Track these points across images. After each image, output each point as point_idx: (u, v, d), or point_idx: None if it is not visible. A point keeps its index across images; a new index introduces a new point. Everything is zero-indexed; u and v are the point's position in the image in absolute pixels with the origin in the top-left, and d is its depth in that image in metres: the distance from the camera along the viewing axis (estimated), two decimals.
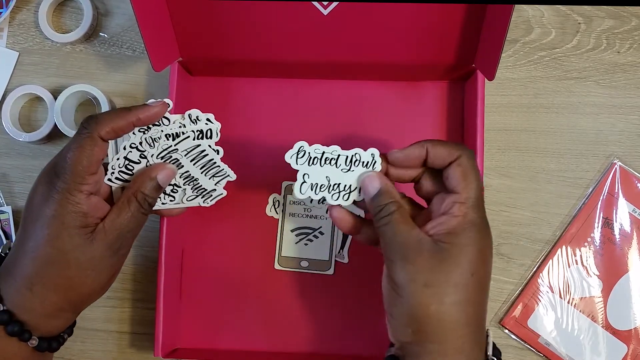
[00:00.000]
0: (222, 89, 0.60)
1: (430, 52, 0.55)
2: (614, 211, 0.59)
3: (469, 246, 0.40)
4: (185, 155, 0.46)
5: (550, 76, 0.61)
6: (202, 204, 0.48)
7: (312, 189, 0.45)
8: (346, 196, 0.45)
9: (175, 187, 0.47)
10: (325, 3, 0.52)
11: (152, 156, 0.46)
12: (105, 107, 0.58)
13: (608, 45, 0.61)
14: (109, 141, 0.44)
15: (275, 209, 0.59)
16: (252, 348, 0.58)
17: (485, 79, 0.54)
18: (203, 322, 0.58)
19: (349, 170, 0.45)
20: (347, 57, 0.56)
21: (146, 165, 0.46)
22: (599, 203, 0.59)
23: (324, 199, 0.45)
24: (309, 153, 0.45)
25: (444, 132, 0.59)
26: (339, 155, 0.45)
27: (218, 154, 0.47)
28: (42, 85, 0.61)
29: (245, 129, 0.60)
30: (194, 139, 0.46)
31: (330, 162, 0.45)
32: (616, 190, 0.59)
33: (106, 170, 0.45)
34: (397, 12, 0.52)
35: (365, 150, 0.45)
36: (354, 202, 0.45)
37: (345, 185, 0.45)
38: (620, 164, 0.59)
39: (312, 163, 0.45)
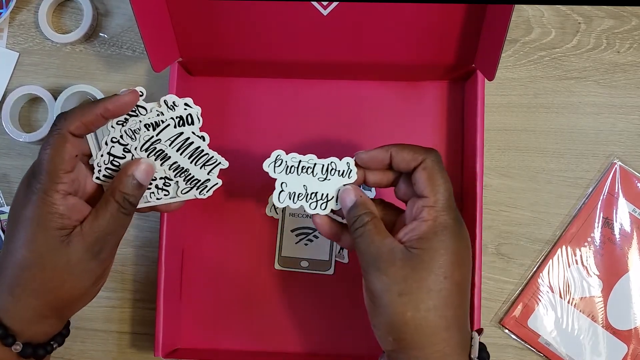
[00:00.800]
0: (222, 89, 0.60)
1: (430, 52, 0.55)
2: (614, 211, 0.58)
3: (440, 250, 0.40)
4: (169, 145, 0.45)
5: (550, 76, 0.61)
6: (199, 196, 0.46)
7: (290, 198, 0.46)
8: (324, 205, 0.46)
9: (167, 181, 0.46)
10: (325, 3, 0.52)
11: (135, 149, 0.44)
12: None
13: (608, 45, 0.61)
14: (90, 137, 0.43)
15: (275, 209, 0.59)
16: (252, 348, 0.58)
17: (485, 79, 0.54)
18: (203, 322, 0.58)
19: (325, 179, 0.45)
20: (346, 57, 0.56)
21: (131, 160, 0.44)
22: (599, 203, 0.59)
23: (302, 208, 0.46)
24: (286, 162, 0.45)
25: (444, 132, 0.59)
26: (315, 164, 0.45)
27: (204, 140, 0.45)
28: (42, 86, 0.61)
29: (245, 128, 0.60)
30: (175, 127, 0.44)
31: (307, 171, 0.45)
32: (616, 190, 0.59)
33: (92, 170, 0.44)
34: (396, 12, 0.52)
35: (340, 159, 0.45)
36: (332, 211, 0.46)
37: (323, 194, 0.45)
38: (620, 163, 0.59)
39: (289, 172, 0.45)
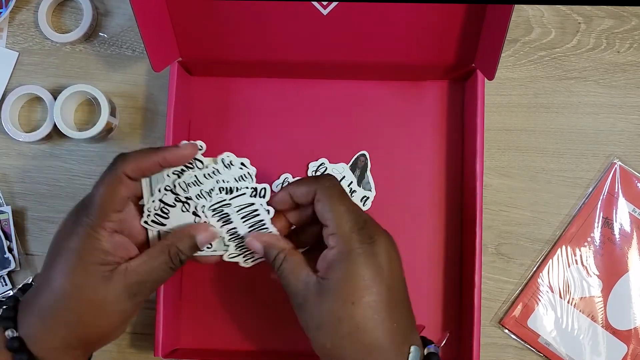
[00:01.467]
0: (221, 89, 0.60)
1: (430, 51, 0.55)
2: (614, 211, 0.59)
3: (346, 276, 0.40)
4: (237, 212, 0.46)
5: (550, 76, 0.61)
6: (243, 264, 0.47)
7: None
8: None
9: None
10: (324, 3, 0.51)
11: (203, 207, 0.45)
12: (105, 107, 0.58)
13: (608, 45, 0.61)
14: (144, 181, 0.44)
15: None
16: (252, 348, 0.58)
17: (485, 79, 0.54)
18: (203, 322, 0.58)
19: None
20: (346, 57, 0.56)
21: (182, 210, 0.45)
22: (599, 203, 0.59)
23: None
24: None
25: (444, 132, 0.59)
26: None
27: (269, 214, 0.46)
28: (42, 85, 0.60)
29: (245, 128, 0.60)
30: (250, 196, 0.45)
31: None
32: (616, 190, 0.59)
33: (141, 213, 0.45)
34: (396, 12, 0.52)
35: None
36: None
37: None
38: (620, 163, 0.59)
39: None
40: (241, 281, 0.59)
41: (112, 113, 0.59)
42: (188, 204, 0.45)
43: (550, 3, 0.61)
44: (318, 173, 0.59)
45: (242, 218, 0.46)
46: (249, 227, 0.46)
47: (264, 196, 0.46)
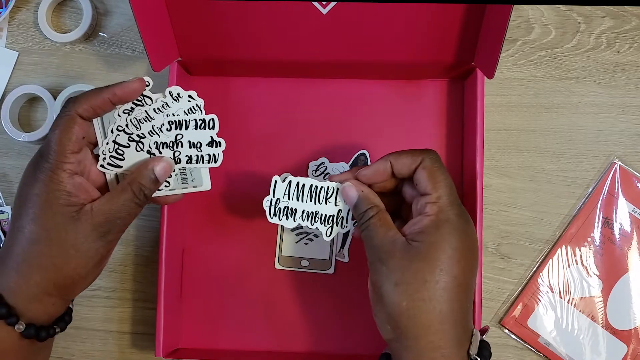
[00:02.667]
0: (221, 88, 0.60)
1: (429, 50, 0.55)
2: (614, 211, 0.59)
3: (440, 243, 0.41)
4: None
5: (550, 76, 0.61)
6: (192, 190, 0.48)
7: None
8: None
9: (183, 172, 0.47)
10: (324, 2, 0.51)
11: (156, 143, 0.46)
12: None
13: (608, 45, 0.61)
14: (97, 126, 0.44)
15: None
16: (253, 348, 0.58)
17: (485, 77, 0.54)
18: (204, 322, 0.58)
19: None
20: (346, 56, 0.56)
21: (136, 149, 0.46)
22: (599, 203, 0.59)
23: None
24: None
25: (443, 130, 0.59)
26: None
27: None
28: (42, 85, 0.60)
29: (244, 128, 0.60)
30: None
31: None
32: (616, 190, 0.59)
33: (97, 159, 0.45)
34: (396, 11, 0.52)
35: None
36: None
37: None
38: (620, 163, 0.59)
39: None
40: (242, 280, 0.59)
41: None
42: (142, 142, 0.46)
43: (550, 3, 0.61)
44: (318, 172, 0.59)
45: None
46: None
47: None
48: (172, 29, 0.54)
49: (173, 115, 0.46)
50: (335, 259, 0.58)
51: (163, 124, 0.46)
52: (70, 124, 0.43)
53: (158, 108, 0.46)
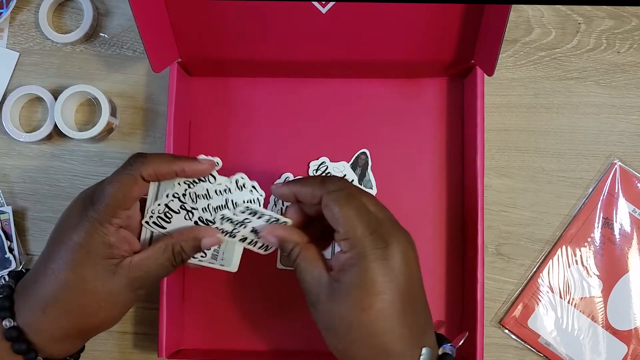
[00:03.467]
0: (221, 89, 0.60)
1: (429, 48, 0.55)
2: (614, 211, 0.59)
3: (357, 283, 0.40)
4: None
5: (550, 76, 0.61)
6: (221, 268, 0.48)
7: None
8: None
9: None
10: (323, 2, 0.52)
11: (206, 220, 0.46)
12: (105, 107, 0.58)
13: (608, 45, 0.61)
14: (152, 183, 0.44)
15: (276, 209, 0.59)
16: (255, 348, 0.58)
17: (485, 75, 0.54)
18: (206, 322, 0.58)
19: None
20: (345, 55, 0.56)
21: (184, 217, 0.46)
22: (599, 203, 0.59)
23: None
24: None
25: (444, 129, 0.59)
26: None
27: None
28: (43, 86, 0.61)
29: (244, 128, 0.60)
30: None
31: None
32: (616, 190, 0.59)
33: (142, 210, 0.45)
34: (395, 9, 0.52)
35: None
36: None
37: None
38: (620, 164, 0.59)
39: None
40: (244, 281, 0.59)
41: (113, 113, 0.60)
42: (192, 213, 0.46)
43: (550, 3, 0.61)
44: (319, 172, 0.59)
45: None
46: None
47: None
48: (171, 30, 0.54)
49: (232, 202, 0.46)
50: None
51: (220, 206, 0.46)
52: (131, 183, 0.42)
53: (220, 191, 0.46)
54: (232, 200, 0.46)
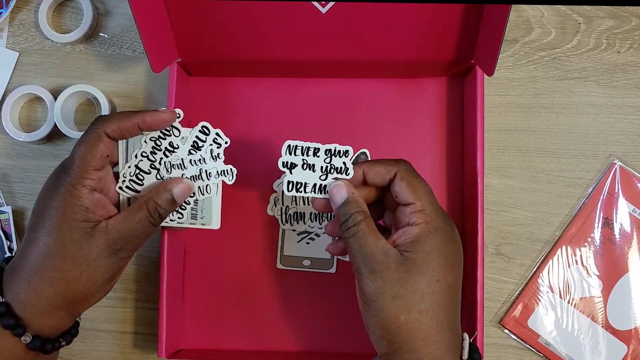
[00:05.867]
0: (221, 89, 0.60)
1: (429, 48, 0.55)
2: (614, 211, 0.59)
3: (433, 253, 0.41)
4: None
5: (550, 76, 0.61)
6: (198, 226, 0.49)
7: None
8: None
9: (184, 204, 0.48)
10: (323, 2, 0.52)
11: (166, 164, 0.46)
12: (105, 107, 0.58)
13: (608, 45, 0.61)
14: (121, 148, 0.45)
15: (276, 209, 0.59)
16: (256, 348, 0.58)
17: (485, 75, 0.54)
18: (206, 322, 0.58)
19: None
20: (345, 55, 0.56)
21: (156, 177, 0.46)
22: (599, 203, 0.59)
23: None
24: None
25: (444, 129, 0.59)
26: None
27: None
28: (42, 86, 0.61)
29: (244, 128, 0.60)
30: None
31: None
32: (616, 190, 0.59)
33: (117, 179, 0.46)
34: (395, 9, 0.52)
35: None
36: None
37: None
38: (620, 164, 0.59)
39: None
40: (244, 281, 0.59)
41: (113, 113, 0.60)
42: (163, 170, 0.46)
43: (550, 3, 0.61)
44: None
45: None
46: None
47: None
48: (171, 30, 0.54)
49: (197, 148, 0.47)
50: (337, 258, 0.58)
51: (185, 158, 0.47)
52: (97, 141, 0.43)
53: (186, 142, 0.46)
54: (197, 147, 0.47)
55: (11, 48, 0.62)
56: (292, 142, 0.46)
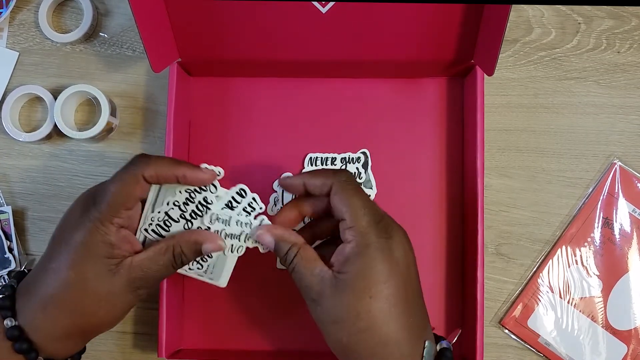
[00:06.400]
0: (221, 89, 0.60)
1: (429, 48, 0.55)
2: (614, 211, 0.59)
3: (364, 270, 0.40)
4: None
5: (550, 76, 0.61)
6: (211, 282, 0.49)
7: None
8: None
9: (205, 258, 0.47)
10: (323, 2, 0.52)
11: (211, 218, 0.46)
12: (105, 107, 0.58)
13: (608, 45, 0.61)
14: (153, 187, 0.45)
15: (276, 208, 0.59)
16: (255, 348, 0.58)
17: (485, 75, 0.54)
18: (206, 322, 0.58)
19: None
20: (346, 55, 0.56)
21: (184, 227, 0.46)
22: (599, 203, 0.59)
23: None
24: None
25: (444, 129, 0.59)
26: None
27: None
28: (42, 85, 0.60)
29: (244, 128, 0.60)
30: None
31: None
32: (616, 190, 0.59)
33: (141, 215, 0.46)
34: (395, 9, 0.52)
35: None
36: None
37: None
38: (620, 164, 0.59)
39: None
40: (244, 281, 0.58)
41: (113, 113, 0.59)
42: (191, 222, 0.46)
43: (550, 3, 0.61)
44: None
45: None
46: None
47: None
48: (171, 30, 0.54)
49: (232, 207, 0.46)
50: None
51: (218, 215, 0.46)
52: (133, 182, 0.43)
53: (221, 201, 0.46)
54: (230, 207, 0.46)
55: (11, 48, 0.62)
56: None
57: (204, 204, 0.46)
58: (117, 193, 0.42)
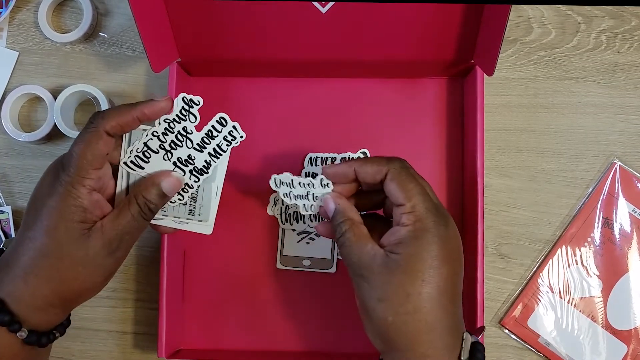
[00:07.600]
0: (221, 89, 0.60)
1: (429, 48, 0.55)
2: (614, 211, 0.59)
3: (419, 254, 0.41)
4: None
5: (550, 76, 0.61)
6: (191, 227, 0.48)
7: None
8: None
9: (192, 204, 0.47)
10: (323, 2, 0.52)
11: (184, 158, 0.46)
12: (104, 107, 0.58)
13: (608, 45, 0.61)
14: (124, 136, 0.45)
15: (276, 209, 0.59)
16: (255, 348, 0.58)
17: (485, 75, 0.54)
18: (206, 322, 0.58)
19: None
20: (345, 55, 0.56)
21: (163, 157, 0.46)
22: (599, 203, 0.59)
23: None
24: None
25: (444, 129, 0.59)
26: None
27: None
28: (42, 85, 0.60)
29: (244, 128, 0.59)
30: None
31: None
32: (616, 190, 0.59)
33: (115, 176, 0.45)
34: (395, 9, 0.52)
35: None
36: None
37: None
38: (620, 164, 0.59)
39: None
40: (244, 281, 0.59)
41: None
42: (171, 153, 0.46)
43: (550, 3, 0.61)
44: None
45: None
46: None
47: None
48: (171, 30, 0.54)
49: (212, 136, 0.46)
50: (337, 258, 0.58)
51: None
52: (96, 139, 0.43)
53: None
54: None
55: (11, 48, 0.62)
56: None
57: (184, 133, 0.46)
58: (82, 154, 0.42)
